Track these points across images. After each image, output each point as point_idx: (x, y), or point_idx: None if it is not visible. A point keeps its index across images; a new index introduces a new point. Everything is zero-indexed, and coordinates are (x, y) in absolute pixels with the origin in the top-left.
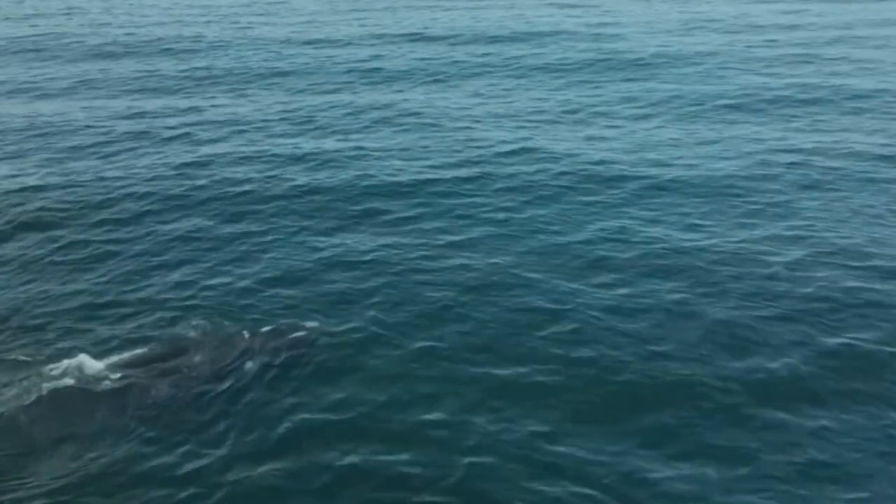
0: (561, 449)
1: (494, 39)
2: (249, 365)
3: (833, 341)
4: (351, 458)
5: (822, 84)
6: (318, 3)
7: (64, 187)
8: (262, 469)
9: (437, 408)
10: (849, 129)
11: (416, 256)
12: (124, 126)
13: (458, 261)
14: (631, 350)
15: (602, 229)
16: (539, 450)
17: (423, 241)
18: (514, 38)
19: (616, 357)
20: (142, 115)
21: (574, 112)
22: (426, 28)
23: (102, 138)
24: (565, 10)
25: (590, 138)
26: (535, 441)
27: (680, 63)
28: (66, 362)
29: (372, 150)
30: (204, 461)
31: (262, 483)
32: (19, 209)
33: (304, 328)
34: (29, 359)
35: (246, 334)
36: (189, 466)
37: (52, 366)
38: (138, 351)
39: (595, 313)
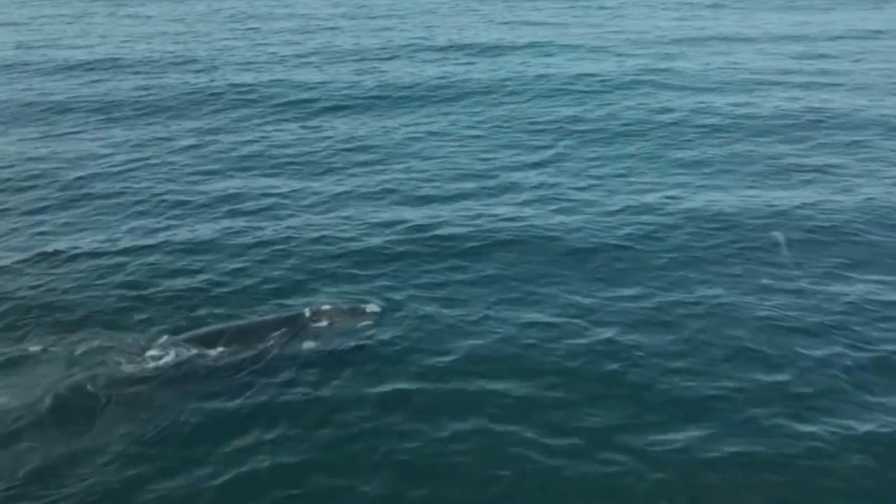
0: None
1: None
2: (308, 343)
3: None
4: (404, 444)
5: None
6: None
7: (79, 210)
8: (316, 447)
9: (485, 402)
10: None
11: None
12: (125, 150)
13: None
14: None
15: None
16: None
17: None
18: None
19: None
20: (144, 138)
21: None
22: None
23: (107, 162)
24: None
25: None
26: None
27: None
28: (129, 342)
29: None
30: (259, 439)
31: (315, 460)
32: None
33: (365, 311)
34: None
35: (307, 312)
36: (243, 442)
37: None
38: (198, 332)
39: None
